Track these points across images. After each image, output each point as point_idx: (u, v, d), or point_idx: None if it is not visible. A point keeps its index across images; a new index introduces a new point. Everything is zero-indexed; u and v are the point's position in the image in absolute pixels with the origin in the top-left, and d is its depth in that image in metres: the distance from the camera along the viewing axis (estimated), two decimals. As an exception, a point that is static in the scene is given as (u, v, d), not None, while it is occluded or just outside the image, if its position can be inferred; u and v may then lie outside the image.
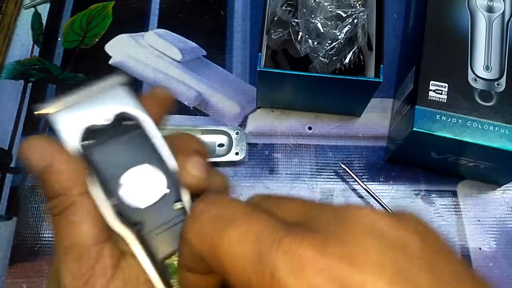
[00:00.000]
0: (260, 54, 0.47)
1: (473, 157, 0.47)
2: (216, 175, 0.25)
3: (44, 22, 0.62)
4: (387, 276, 0.15)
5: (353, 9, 0.48)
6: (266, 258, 0.16)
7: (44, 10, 0.62)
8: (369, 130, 0.55)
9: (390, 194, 0.52)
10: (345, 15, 0.48)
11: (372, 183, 0.52)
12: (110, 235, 0.22)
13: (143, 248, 0.22)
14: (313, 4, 0.48)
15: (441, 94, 0.46)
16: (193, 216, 0.20)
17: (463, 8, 0.50)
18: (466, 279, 0.16)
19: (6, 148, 0.53)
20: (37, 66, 0.58)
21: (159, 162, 0.23)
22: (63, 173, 0.22)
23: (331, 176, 0.53)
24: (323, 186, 0.52)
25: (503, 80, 0.46)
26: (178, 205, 0.22)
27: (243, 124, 0.55)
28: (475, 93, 0.46)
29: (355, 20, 0.48)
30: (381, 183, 0.53)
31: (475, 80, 0.46)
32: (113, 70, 0.58)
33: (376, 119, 0.56)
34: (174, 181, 0.23)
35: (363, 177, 0.53)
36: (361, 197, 0.52)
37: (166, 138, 0.25)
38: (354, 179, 0.50)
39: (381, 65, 0.47)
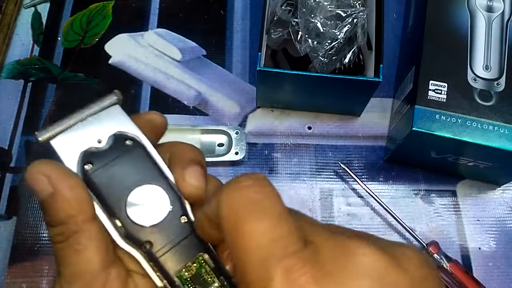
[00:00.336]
0: (260, 53, 0.47)
1: (472, 157, 0.47)
2: (213, 181, 0.25)
3: (44, 22, 0.62)
4: None
5: (353, 9, 0.48)
6: (270, 265, 0.17)
7: (44, 9, 0.62)
8: (369, 130, 0.56)
9: (389, 193, 0.52)
10: (345, 14, 0.48)
11: (371, 182, 0.52)
12: (116, 257, 0.23)
13: (155, 266, 0.22)
14: (313, 3, 0.48)
15: (440, 93, 0.46)
16: (236, 186, 0.19)
17: (462, 8, 0.50)
18: None
19: (6, 148, 0.54)
20: (37, 66, 0.58)
21: (161, 180, 0.23)
22: (69, 200, 0.21)
23: (331, 176, 0.53)
24: (323, 186, 0.52)
25: (502, 80, 0.46)
26: (183, 219, 0.23)
27: (242, 124, 0.55)
28: (474, 93, 0.46)
29: (355, 20, 0.48)
30: (380, 183, 0.53)
31: (475, 79, 0.46)
32: (113, 69, 0.58)
33: (375, 118, 0.56)
34: (177, 196, 0.23)
35: (363, 176, 0.53)
36: (360, 197, 0.52)
37: (162, 146, 0.25)
38: (354, 178, 0.50)
39: (381, 65, 0.47)
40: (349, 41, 0.50)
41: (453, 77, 0.46)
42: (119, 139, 0.23)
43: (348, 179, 0.53)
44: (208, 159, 0.51)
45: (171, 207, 0.23)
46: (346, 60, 0.50)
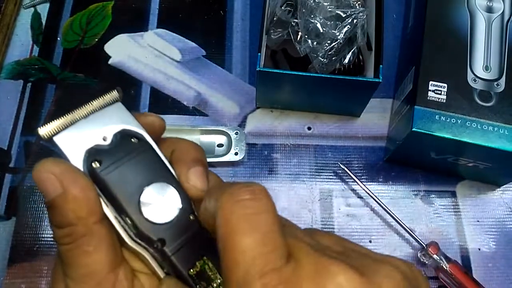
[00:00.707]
0: (259, 54, 0.47)
1: (472, 158, 0.47)
2: (213, 179, 0.26)
3: (43, 22, 0.62)
4: None
5: (353, 9, 0.48)
6: (250, 280, 0.18)
7: (43, 10, 0.62)
8: (369, 130, 0.55)
9: (389, 194, 0.52)
10: (345, 15, 0.48)
11: (371, 183, 0.52)
12: (123, 257, 0.23)
13: (165, 264, 0.22)
14: (313, 4, 0.48)
15: (440, 94, 0.46)
16: (233, 199, 0.19)
17: (462, 8, 0.50)
18: None
19: (5, 148, 0.53)
20: (36, 66, 0.58)
21: (170, 178, 0.23)
22: (80, 202, 0.21)
23: (330, 176, 0.53)
24: (322, 186, 0.52)
25: (502, 81, 0.46)
26: (191, 217, 0.23)
27: (242, 124, 0.55)
28: (474, 94, 0.46)
29: (355, 20, 0.48)
30: (380, 183, 0.53)
31: (475, 80, 0.46)
32: (113, 70, 0.58)
33: (375, 119, 0.56)
34: (184, 194, 0.23)
35: (362, 177, 0.53)
36: (360, 197, 0.52)
37: (164, 142, 0.25)
38: (353, 179, 0.50)
39: (381, 65, 0.47)
40: (349, 42, 0.50)
41: (453, 77, 0.46)
42: (124, 136, 0.23)
43: (347, 180, 0.53)
44: (207, 160, 0.51)
45: (181, 205, 0.23)
46: (346, 60, 0.50)
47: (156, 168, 0.23)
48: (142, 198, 0.22)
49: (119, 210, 0.22)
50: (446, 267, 0.45)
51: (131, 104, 0.56)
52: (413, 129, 0.44)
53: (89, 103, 0.23)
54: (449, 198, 0.52)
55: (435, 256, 0.46)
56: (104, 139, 0.23)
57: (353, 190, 0.52)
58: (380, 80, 0.46)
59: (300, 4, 0.49)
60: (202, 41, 0.60)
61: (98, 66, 0.59)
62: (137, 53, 0.59)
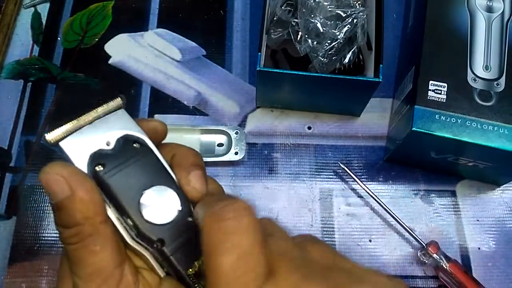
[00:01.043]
0: (259, 53, 0.48)
1: (472, 157, 0.47)
2: (211, 183, 0.27)
3: (43, 22, 0.62)
4: None
5: (353, 9, 0.48)
6: None
7: (44, 9, 0.63)
8: (369, 130, 0.56)
9: (389, 194, 0.52)
10: (345, 15, 0.48)
11: (371, 183, 0.52)
12: (126, 255, 0.23)
13: (165, 263, 0.23)
14: (313, 4, 0.48)
15: (440, 94, 0.46)
16: (217, 217, 0.20)
17: (462, 8, 0.50)
18: None
19: (6, 148, 0.54)
20: (36, 66, 0.58)
21: (170, 182, 0.24)
22: (86, 203, 0.22)
23: (331, 176, 0.53)
24: (322, 186, 0.52)
25: (502, 80, 0.47)
26: (189, 219, 0.24)
27: (242, 124, 0.55)
28: (474, 93, 0.46)
29: (355, 20, 0.48)
30: (380, 183, 0.53)
31: (475, 80, 0.46)
32: (113, 69, 0.58)
33: (375, 119, 0.56)
34: (183, 197, 0.24)
35: (362, 177, 0.53)
36: (360, 197, 0.52)
37: (164, 147, 0.26)
38: (353, 179, 0.50)
39: (381, 65, 0.47)
40: (349, 41, 0.50)
41: (453, 77, 0.46)
42: (126, 141, 0.24)
43: (347, 179, 0.53)
44: (208, 159, 0.51)
45: (180, 207, 0.24)
46: (346, 60, 0.50)
47: (157, 171, 0.24)
48: (143, 200, 0.23)
49: (121, 211, 0.23)
50: (446, 266, 0.45)
51: (131, 104, 0.56)
52: (413, 129, 0.44)
53: (94, 110, 0.24)
54: (449, 198, 0.52)
55: (435, 255, 0.46)
56: (108, 144, 0.24)
57: (353, 189, 0.52)
58: (380, 80, 0.47)
59: (300, 4, 0.49)
60: (202, 41, 0.60)
61: (98, 66, 0.59)
62: (137, 52, 0.59)
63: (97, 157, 0.23)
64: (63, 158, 0.23)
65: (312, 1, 0.48)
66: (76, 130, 0.23)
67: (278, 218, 0.51)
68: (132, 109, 0.56)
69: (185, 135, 0.53)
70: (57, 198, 0.22)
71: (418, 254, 0.47)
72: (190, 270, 0.23)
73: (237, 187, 0.52)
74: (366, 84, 0.48)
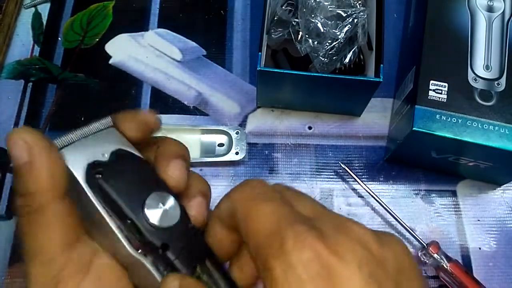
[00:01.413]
0: (260, 53, 0.47)
1: (473, 157, 0.47)
2: (198, 179, 0.27)
3: (44, 22, 0.62)
4: (362, 274, 0.19)
5: (353, 9, 0.48)
6: (281, 232, 0.20)
7: (44, 9, 0.62)
8: (369, 129, 0.56)
9: (390, 193, 0.52)
10: (345, 14, 0.48)
11: (372, 182, 0.52)
12: (80, 236, 0.22)
13: (171, 270, 0.23)
14: (313, 3, 0.48)
15: (441, 93, 0.46)
16: (243, 186, 0.24)
17: (463, 8, 0.50)
18: None
19: (6, 148, 0.53)
20: (37, 66, 0.58)
21: (166, 188, 0.24)
22: (43, 173, 0.21)
23: (331, 176, 0.53)
24: (323, 185, 0.52)
25: (503, 80, 0.46)
26: (190, 225, 0.24)
27: (243, 124, 0.55)
28: (475, 93, 0.46)
29: (355, 20, 0.48)
30: (381, 182, 0.53)
31: (475, 79, 0.46)
32: (113, 69, 0.58)
33: (376, 118, 0.56)
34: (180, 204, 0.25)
35: (363, 176, 0.53)
36: (361, 196, 0.52)
37: (152, 141, 0.27)
38: (354, 178, 0.50)
39: (381, 65, 0.47)
40: (350, 41, 0.50)
41: (454, 77, 0.46)
42: (120, 155, 0.24)
43: (348, 179, 0.53)
44: (208, 159, 0.51)
45: (180, 211, 0.24)
46: (347, 60, 0.50)
47: (154, 179, 0.24)
48: (146, 205, 0.23)
49: (123, 217, 0.23)
50: (447, 266, 0.45)
51: (131, 104, 0.56)
52: (414, 129, 0.44)
53: (87, 126, 0.25)
54: (449, 198, 0.52)
55: (435, 255, 0.46)
56: (103, 155, 0.24)
57: (353, 189, 0.52)
58: (381, 80, 0.47)
59: (300, 4, 0.49)
60: (203, 41, 0.60)
61: (98, 66, 0.59)
62: (138, 53, 0.59)
63: (95, 166, 0.23)
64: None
65: (312, 1, 0.48)
66: (71, 143, 0.24)
67: (279, 218, 0.51)
68: (132, 109, 0.56)
69: (185, 135, 0.53)
70: (15, 163, 0.21)
71: (419, 254, 0.47)
72: (193, 274, 0.23)
73: (237, 187, 0.52)
74: (367, 84, 0.48)
